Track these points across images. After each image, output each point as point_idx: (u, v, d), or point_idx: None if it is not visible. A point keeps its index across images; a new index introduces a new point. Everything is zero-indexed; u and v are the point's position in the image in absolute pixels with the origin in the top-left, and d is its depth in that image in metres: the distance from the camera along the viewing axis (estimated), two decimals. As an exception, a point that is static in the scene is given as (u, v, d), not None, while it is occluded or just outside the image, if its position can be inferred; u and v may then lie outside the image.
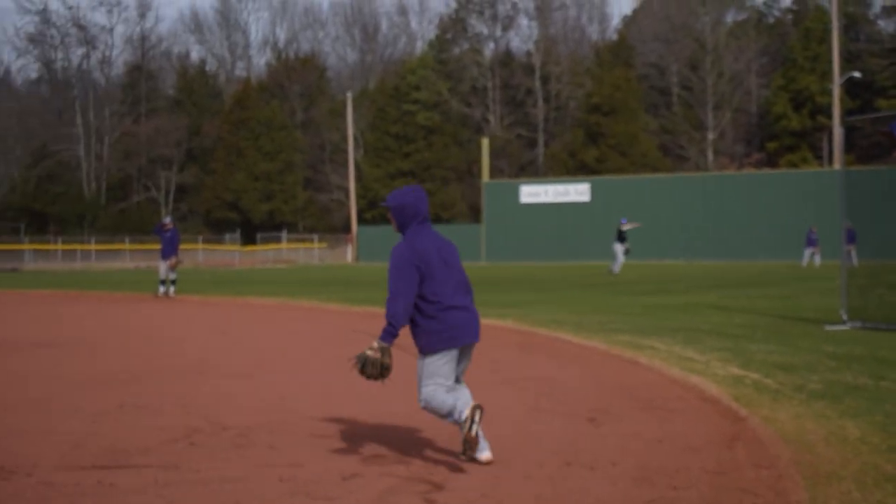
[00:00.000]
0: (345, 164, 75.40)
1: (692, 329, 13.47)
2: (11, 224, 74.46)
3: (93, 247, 67.38)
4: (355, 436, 6.66)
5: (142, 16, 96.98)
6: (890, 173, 46.78)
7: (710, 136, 78.11)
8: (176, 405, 8.04)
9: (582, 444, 6.31)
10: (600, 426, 6.92)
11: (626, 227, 33.57)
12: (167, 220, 25.18)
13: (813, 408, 7.34)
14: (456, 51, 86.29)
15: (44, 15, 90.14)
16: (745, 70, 79.37)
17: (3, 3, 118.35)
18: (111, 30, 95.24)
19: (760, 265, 44.10)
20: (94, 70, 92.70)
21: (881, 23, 79.65)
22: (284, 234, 75.16)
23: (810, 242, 40.22)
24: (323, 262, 69.60)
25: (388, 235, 58.42)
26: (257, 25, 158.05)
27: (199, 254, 68.77)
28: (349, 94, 72.91)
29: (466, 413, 5.59)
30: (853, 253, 34.14)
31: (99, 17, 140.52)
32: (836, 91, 59.59)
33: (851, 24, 76.14)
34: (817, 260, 40.24)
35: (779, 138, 75.04)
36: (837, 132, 57.08)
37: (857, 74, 62.37)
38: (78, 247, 67.30)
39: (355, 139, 76.29)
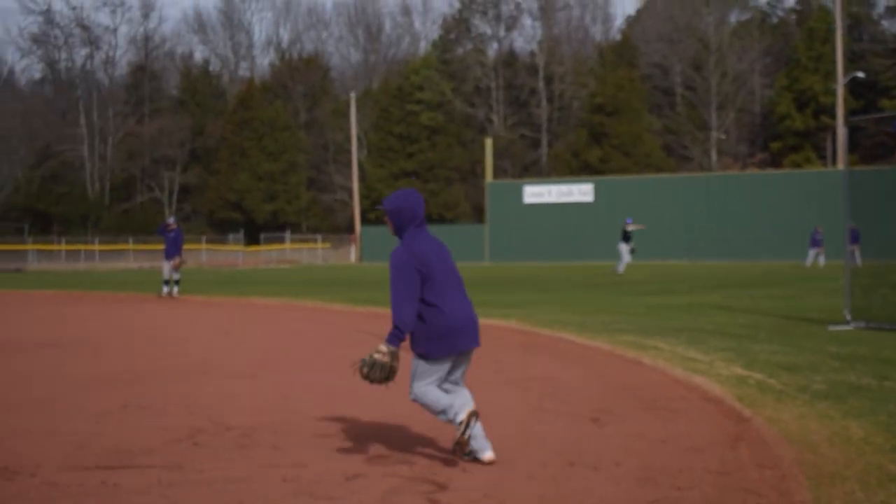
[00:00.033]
0: (348, 165, 75.43)
1: (696, 329, 13.46)
2: (15, 224, 74.54)
3: (96, 247, 67.41)
4: (359, 436, 6.66)
5: (145, 16, 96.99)
6: (893, 173, 46.74)
7: (714, 135, 78.05)
8: (179, 405, 8.05)
9: (585, 445, 6.30)
10: (604, 426, 6.92)
11: (630, 228, 33.55)
12: (171, 220, 25.17)
13: (816, 408, 7.33)
14: (459, 51, 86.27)
15: (47, 15, 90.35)
16: (749, 70, 79.32)
17: (7, 3, 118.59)
18: (115, 30, 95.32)
19: (764, 265, 44.07)
20: (97, 70, 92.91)
21: (885, 23, 79.60)
22: (288, 235, 75.15)
23: (815, 243, 40.17)
24: (326, 262, 69.61)
25: (391, 236, 57.65)
26: (261, 25, 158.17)
27: (202, 254, 68.79)
28: (352, 95, 72.91)
29: (462, 417, 5.64)
30: (857, 253, 34.09)
31: (102, 18, 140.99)
32: (840, 91, 59.54)
33: (855, 25, 76.07)
34: (821, 260, 40.20)
35: (782, 138, 75.00)
36: (841, 132, 57.04)
37: (860, 74, 62.35)
38: (81, 247, 67.33)
39: (359, 139, 76.31)
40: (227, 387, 9.17)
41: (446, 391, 5.91)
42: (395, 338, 5.65)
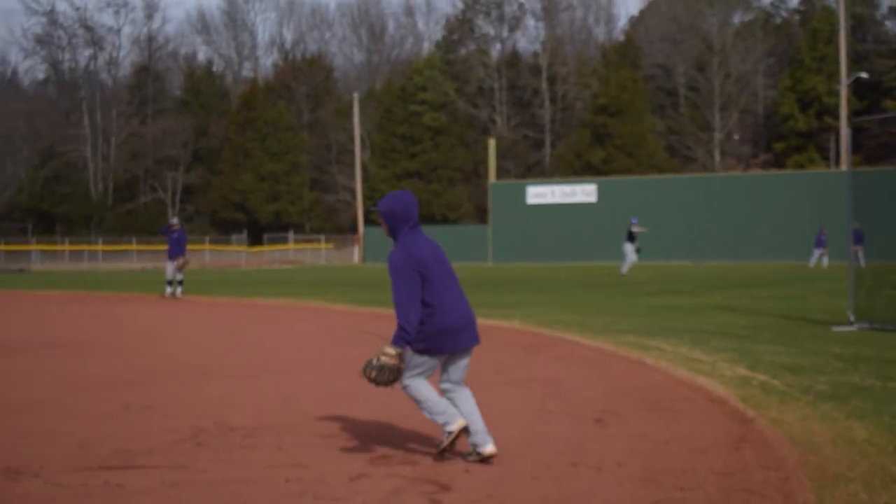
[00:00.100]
0: (351, 165, 75.45)
1: (699, 330, 13.45)
2: (19, 225, 74.63)
3: (100, 247, 67.44)
4: (362, 436, 6.66)
5: (149, 17, 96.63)
6: (897, 174, 46.66)
7: (717, 136, 78.05)
8: (182, 406, 8.05)
9: (588, 445, 6.30)
10: (607, 427, 6.92)
11: (635, 230, 33.56)
12: (174, 220, 25.18)
13: (820, 409, 7.33)
14: (463, 51, 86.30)
15: (51, 16, 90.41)
16: (752, 71, 79.26)
17: (11, 4, 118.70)
18: (118, 31, 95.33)
19: (767, 266, 44.03)
20: (101, 71, 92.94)
21: (888, 24, 79.52)
22: (291, 235, 75.20)
23: (819, 243, 40.16)
24: (329, 262, 69.64)
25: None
26: (264, 26, 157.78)
27: (205, 254, 68.80)
28: (356, 95, 72.93)
29: (453, 428, 5.79)
30: (860, 254, 34.08)
31: (106, 18, 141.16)
32: (844, 92, 59.48)
33: (859, 25, 75.97)
34: (825, 261, 40.16)
35: (786, 139, 74.95)
36: (844, 133, 57.01)
37: (864, 75, 62.28)
38: (85, 247, 67.36)
39: (362, 140, 76.32)
40: (230, 387, 9.18)
41: (446, 390, 5.97)
42: (400, 339, 5.70)
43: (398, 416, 7.30)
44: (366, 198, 74.00)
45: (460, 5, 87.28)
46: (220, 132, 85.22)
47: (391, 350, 5.70)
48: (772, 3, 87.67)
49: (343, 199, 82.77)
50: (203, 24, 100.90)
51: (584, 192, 58.33)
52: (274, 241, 73.81)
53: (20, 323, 17.75)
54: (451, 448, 5.86)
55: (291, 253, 73.00)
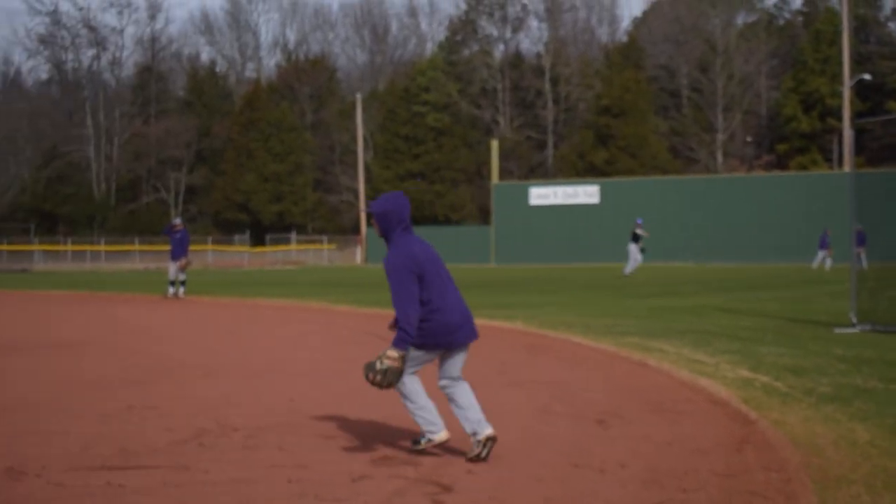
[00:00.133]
0: (354, 166, 75.46)
1: (701, 331, 13.45)
2: (21, 225, 74.71)
3: (102, 248, 67.48)
4: (364, 437, 6.66)
5: (152, 17, 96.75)
6: (900, 176, 46.60)
7: (720, 137, 78.01)
8: (185, 406, 8.06)
9: (591, 447, 6.30)
10: (609, 428, 6.92)
11: (639, 232, 33.57)
12: (177, 221, 25.20)
13: (822, 411, 7.32)
14: (466, 52, 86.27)
15: (54, 16, 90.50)
16: (756, 72, 79.21)
17: (14, 4, 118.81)
18: (121, 31, 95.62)
19: (769, 267, 43.98)
20: (104, 71, 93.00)
21: (892, 25, 79.49)
22: (294, 236, 75.23)
23: (823, 245, 40.13)
24: (332, 263, 69.65)
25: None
26: (267, 27, 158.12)
27: (208, 255, 68.84)
28: (359, 96, 72.95)
29: (436, 439, 6.01)
30: (863, 255, 34.03)
31: (109, 19, 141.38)
32: (847, 93, 59.45)
33: (862, 27, 75.93)
34: (828, 263, 40.10)
35: (789, 140, 74.91)
36: (847, 134, 56.92)
37: (867, 77, 62.19)
38: (87, 248, 67.43)
39: (365, 140, 76.34)
40: (232, 388, 9.18)
41: (444, 387, 6.06)
42: (402, 341, 5.78)
43: (400, 416, 7.30)
44: (368, 198, 73.98)
45: (463, 6, 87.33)
46: (223, 133, 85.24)
47: (394, 353, 5.76)
48: (775, 5, 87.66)
49: (346, 200, 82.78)
50: (206, 25, 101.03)
51: (586, 194, 58.27)
52: (276, 242, 73.85)
53: (21, 323, 17.76)
54: (426, 449, 6.10)
55: (294, 253, 73.02)
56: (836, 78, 67.74)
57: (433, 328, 5.87)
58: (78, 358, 11.77)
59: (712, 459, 5.89)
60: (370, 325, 15.89)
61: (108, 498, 5.13)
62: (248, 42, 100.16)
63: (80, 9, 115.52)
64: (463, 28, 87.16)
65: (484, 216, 73.37)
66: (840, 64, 62.58)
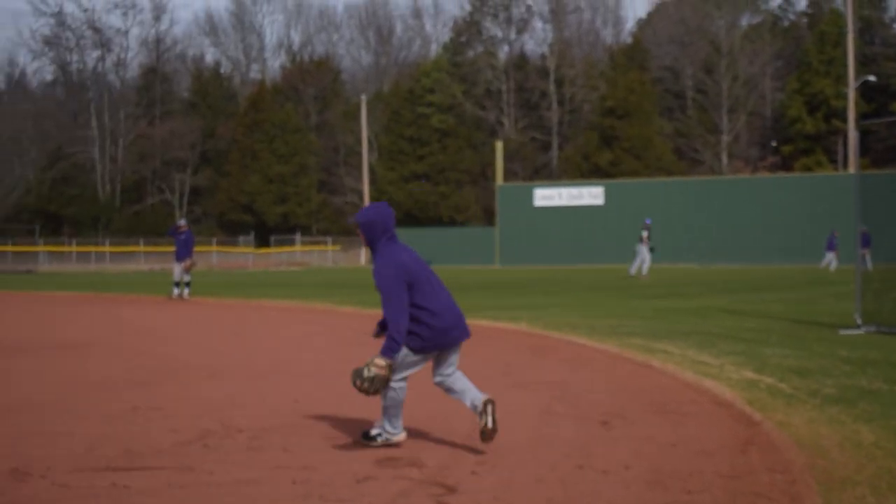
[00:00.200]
0: (359, 167, 75.49)
1: (705, 333, 13.44)
2: (26, 226, 74.80)
3: (107, 249, 67.59)
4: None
5: (157, 18, 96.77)
6: (905, 177, 46.52)
7: (725, 139, 77.93)
8: (189, 407, 8.06)
9: (594, 448, 6.30)
10: (613, 429, 6.91)
11: (645, 233, 33.61)
12: (182, 222, 25.22)
13: (827, 412, 7.31)
14: (470, 54, 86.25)
15: (59, 17, 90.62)
16: (760, 73, 79.15)
17: (19, 5, 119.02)
18: (126, 32, 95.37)
19: (774, 269, 43.95)
20: (109, 72, 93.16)
21: (896, 26, 79.42)
22: (298, 237, 75.29)
23: (831, 246, 40.09)
24: (336, 264, 69.68)
25: (400, 239, 58.33)
26: (272, 28, 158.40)
27: (213, 256, 68.92)
28: (363, 97, 72.99)
29: (395, 440, 6.28)
30: (868, 257, 33.97)
31: (114, 20, 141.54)
32: (851, 94, 59.39)
33: (867, 28, 75.86)
34: (833, 265, 40.04)
35: (793, 142, 74.83)
36: (852, 136, 56.86)
37: (872, 78, 62.18)
38: (92, 249, 67.54)
39: (369, 142, 76.38)
40: (237, 389, 9.19)
41: (440, 382, 6.25)
42: (391, 350, 5.95)
43: (405, 417, 7.30)
44: (373, 200, 74.02)
45: (468, 7, 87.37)
46: (227, 134, 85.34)
47: (381, 361, 5.95)
48: (780, 6, 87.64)
49: (350, 202, 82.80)
50: (211, 26, 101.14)
51: (591, 195, 58.24)
52: (281, 243, 73.91)
53: (26, 324, 17.78)
54: (383, 446, 6.29)
55: (298, 255, 73.07)
56: (841, 79, 67.68)
57: (431, 333, 6.02)
58: (83, 359, 11.78)
59: (716, 461, 5.88)
60: (374, 326, 15.86)
61: (112, 499, 5.14)
62: (252, 43, 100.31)
63: (85, 10, 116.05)
64: (467, 29, 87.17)
65: (488, 217, 73.39)
66: (845, 65, 62.55)
